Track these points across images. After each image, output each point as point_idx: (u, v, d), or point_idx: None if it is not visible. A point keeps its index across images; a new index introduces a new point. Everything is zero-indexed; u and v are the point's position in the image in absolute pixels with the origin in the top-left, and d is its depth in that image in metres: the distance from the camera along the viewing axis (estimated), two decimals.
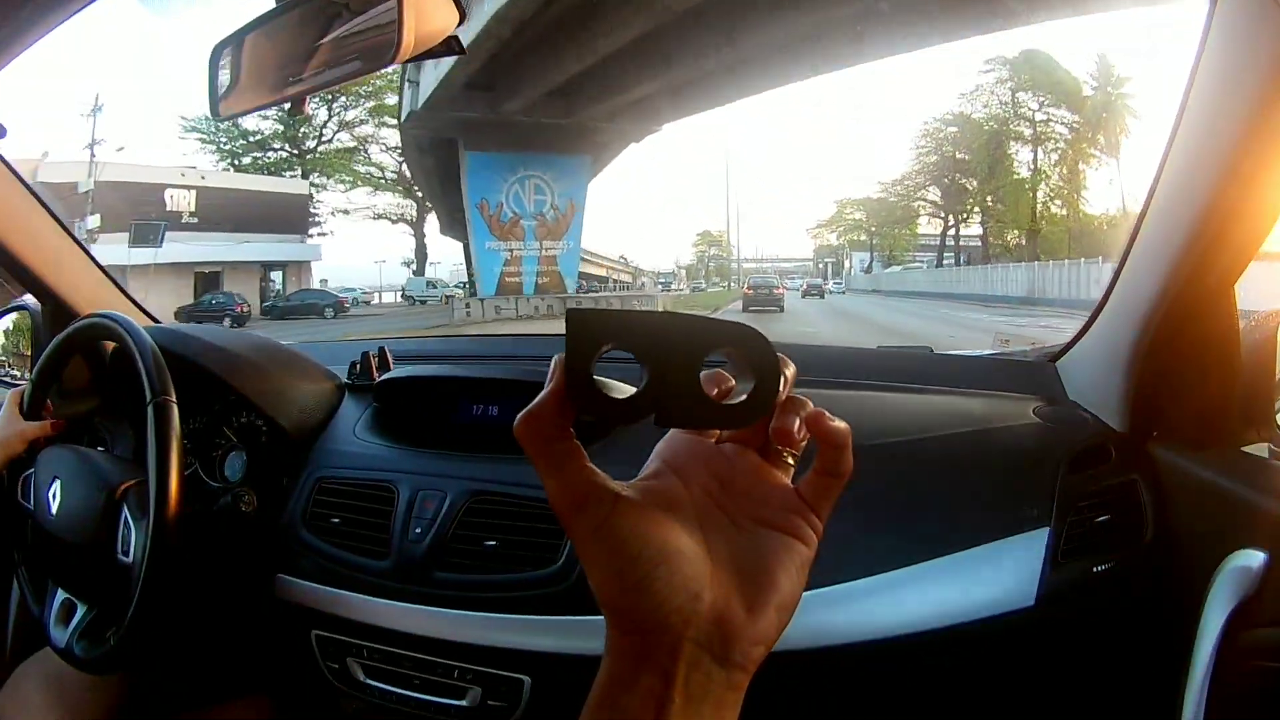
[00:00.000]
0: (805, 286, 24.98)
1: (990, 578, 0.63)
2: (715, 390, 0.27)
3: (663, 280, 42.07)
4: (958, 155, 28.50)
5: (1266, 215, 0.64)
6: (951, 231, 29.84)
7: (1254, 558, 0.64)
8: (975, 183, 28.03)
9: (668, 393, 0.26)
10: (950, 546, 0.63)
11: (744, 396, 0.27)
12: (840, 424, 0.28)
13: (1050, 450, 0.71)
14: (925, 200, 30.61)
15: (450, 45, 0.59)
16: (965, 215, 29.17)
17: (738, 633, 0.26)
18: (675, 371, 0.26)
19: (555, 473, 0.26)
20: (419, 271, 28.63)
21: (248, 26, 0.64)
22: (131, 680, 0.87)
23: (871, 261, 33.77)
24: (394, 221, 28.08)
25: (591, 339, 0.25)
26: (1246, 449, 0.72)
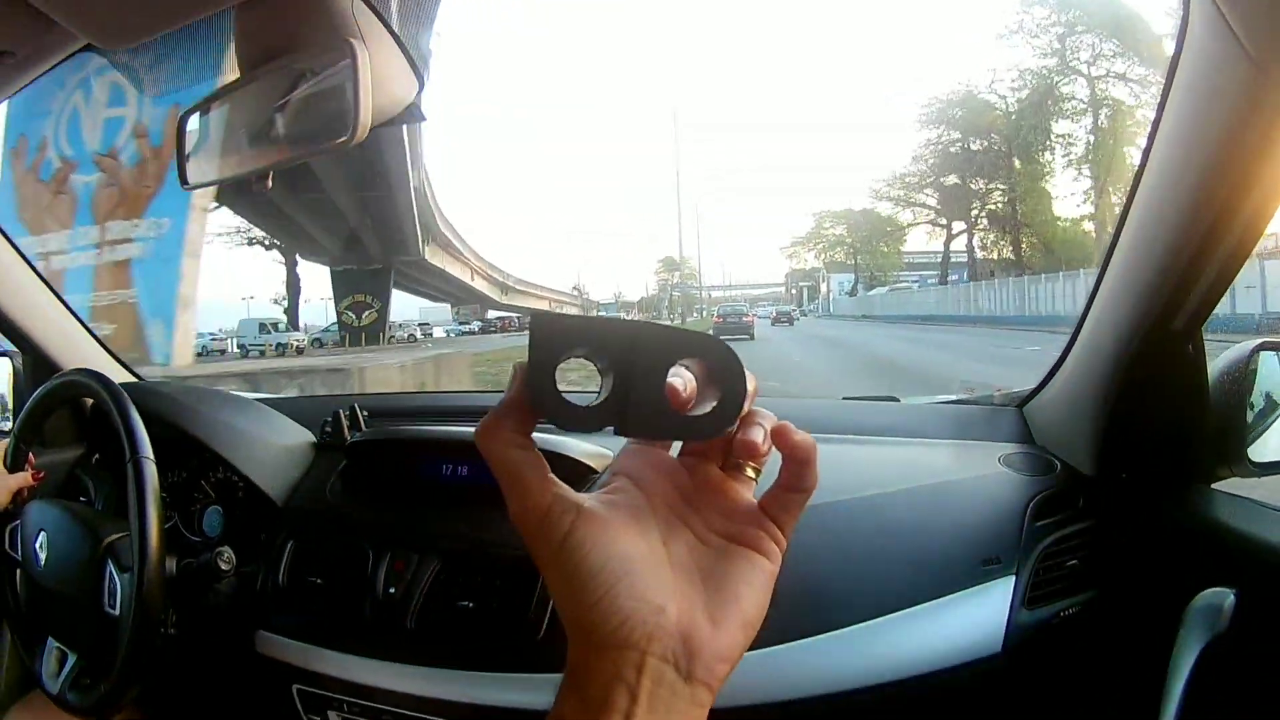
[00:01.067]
0: (775, 314, 23.51)
1: (956, 627, 0.64)
2: (678, 401, 0.26)
3: (602, 311, 36.78)
4: (971, 145, 23.48)
5: (1236, 254, 0.65)
6: (959, 240, 25.34)
7: (1223, 595, 0.65)
8: (985, 182, 23.72)
9: (631, 402, 0.25)
10: (916, 598, 0.64)
11: (709, 408, 0.26)
12: (805, 437, 0.27)
13: (1016, 498, 0.71)
14: (923, 206, 26.32)
15: (412, 113, 0.60)
16: (977, 219, 24.40)
17: (703, 647, 0.25)
18: (639, 381, 0.25)
19: (516, 484, 0.25)
20: (290, 310, 22.68)
21: (216, 94, 0.64)
22: None
23: (856, 283, 30.36)
24: (267, 248, 22.37)
25: (555, 345, 0.25)
26: (1218, 485, 0.72)
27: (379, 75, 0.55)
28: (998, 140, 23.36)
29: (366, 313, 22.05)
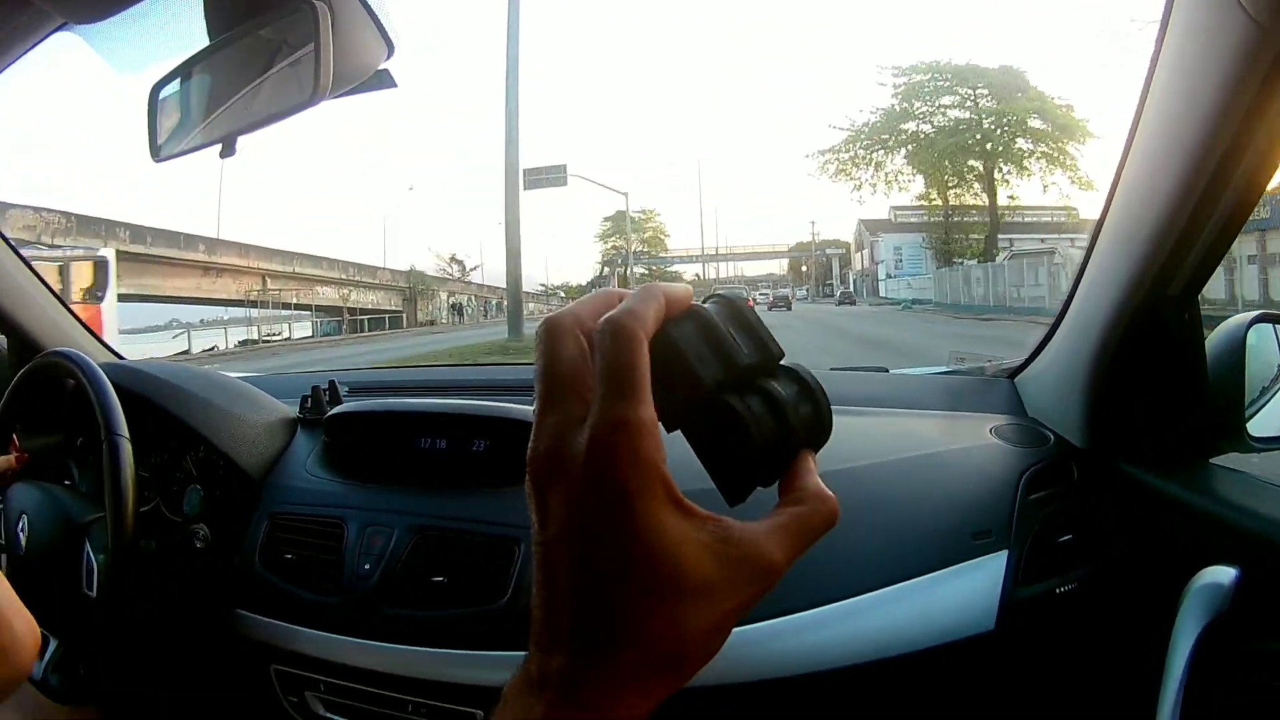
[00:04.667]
0: (771, 299, 22.07)
1: (949, 602, 0.62)
2: None
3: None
4: None
5: (1232, 220, 0.63)
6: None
7: (1225, 573, 0.63)
8: None
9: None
10: (908, 572, 0.62)
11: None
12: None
13: (1008, 470, 0.70)
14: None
15: (381, 79, 0.59)
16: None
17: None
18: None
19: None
20: None
21: (185, 65, 0.64)
22: (107, 709, 0.88)
23: (932, 246, 20.92)
24: None
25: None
26: (1216, 460, 0.70)
27: (346, 40, 0.54)
28: None
29: None
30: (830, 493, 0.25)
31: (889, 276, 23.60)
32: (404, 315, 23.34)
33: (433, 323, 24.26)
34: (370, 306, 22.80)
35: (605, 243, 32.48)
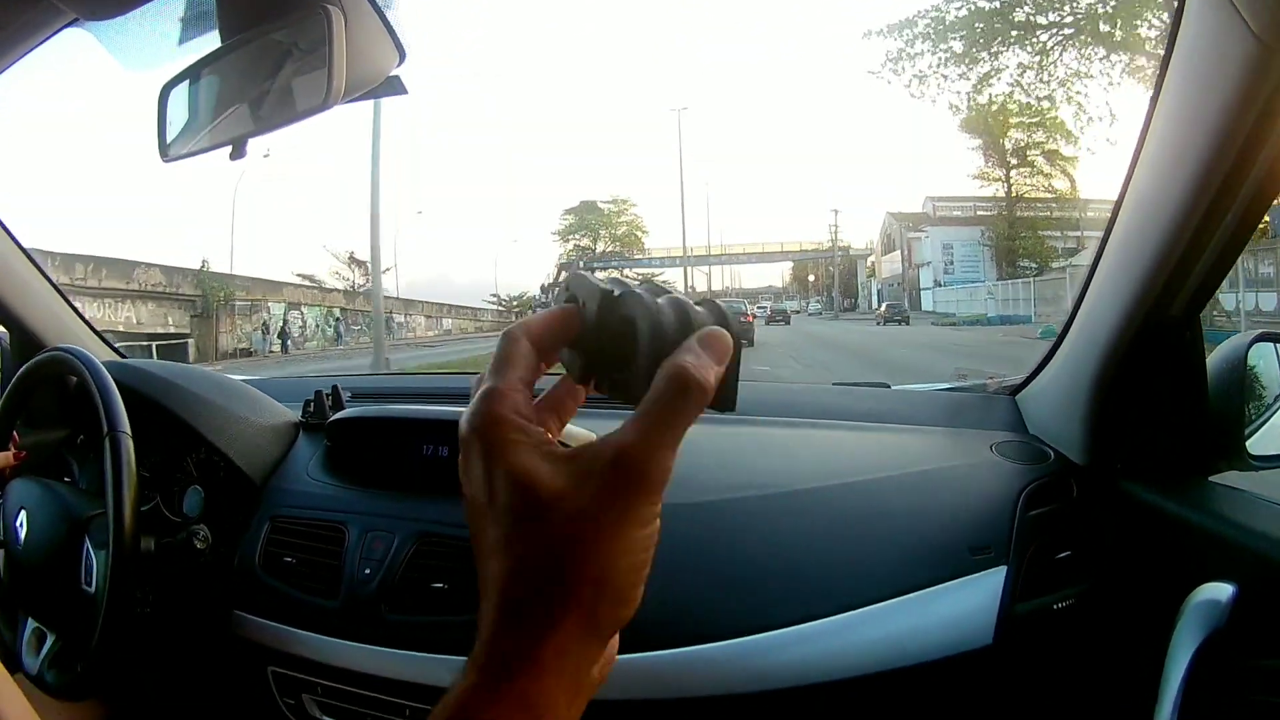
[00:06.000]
0: (770, 313, 19.89)
1: (947, 617, 0.62)
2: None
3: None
4: None
5: (1236, 237, 0.63)
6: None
7: (1222, 590, 0.63)
8: None
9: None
10: (905, 587, 0.62)
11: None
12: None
13: (1008, 486, 0.70)
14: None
15: (393, 85, 0.59)
16: None
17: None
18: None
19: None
20: None
21: (196, 66, 0.64)
22: (104, 706, 0.87)
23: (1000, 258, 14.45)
24: None
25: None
26: (1215, 479, 0.70)
27: (358, 45, 0.55)
28: None
29: None
30: (684, 364, 0.24)
31: (936, 284, 16.97)
32: (189, 343, 14.43)
33: (250, 353, 15.72)
34: (135, 328, 13.47)
35: (566, 241, 25.81)
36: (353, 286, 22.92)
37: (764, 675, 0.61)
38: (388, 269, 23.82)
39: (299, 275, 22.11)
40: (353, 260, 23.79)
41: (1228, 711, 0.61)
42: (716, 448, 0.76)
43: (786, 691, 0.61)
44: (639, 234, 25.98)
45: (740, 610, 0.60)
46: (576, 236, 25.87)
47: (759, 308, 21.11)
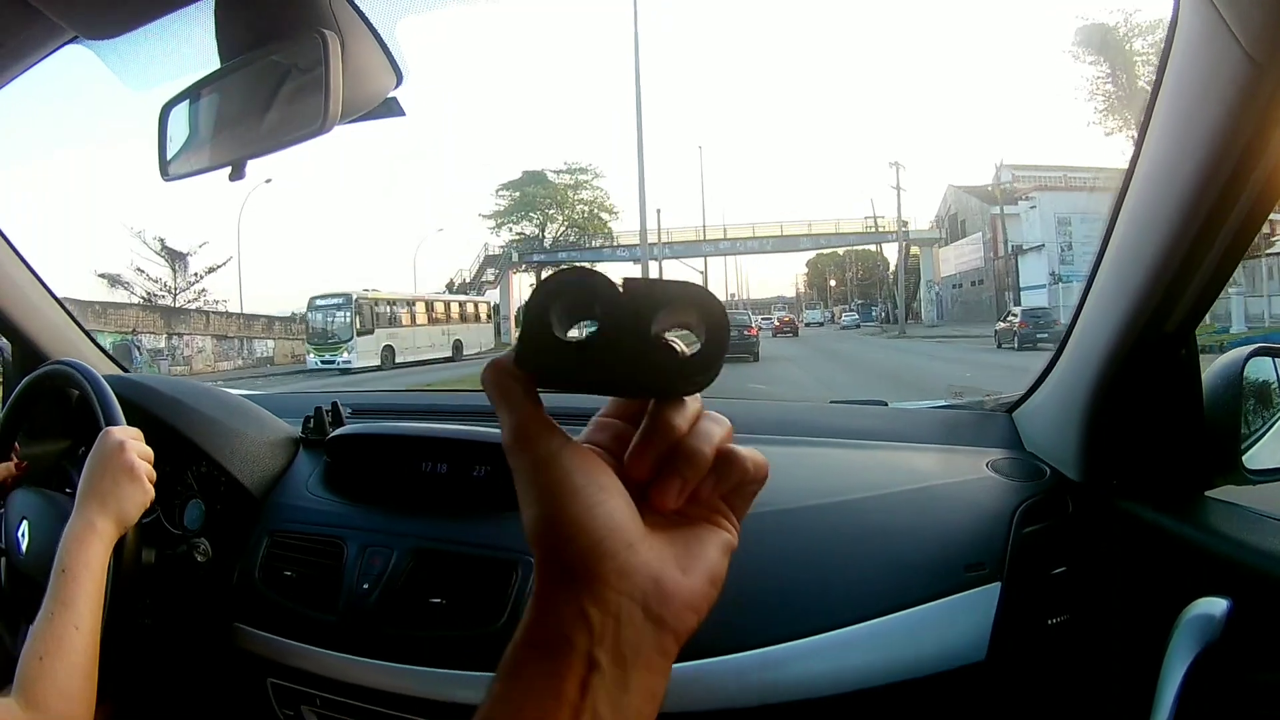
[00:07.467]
0: (777, 324, 18.97)
1: (941, 633, 0.63)
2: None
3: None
4: None
5: (1230, 255, 0.63)
6: None
7: (1217, 604, 0.63)
8: None
9: (619, 351, 0.25)
10: (899, 603, 0.63)
11: (695, 348, 0.26)
12: (758, 459, 0.28)
13: (1003, 503, 0.70)
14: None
15: (390, 107, 0.60)
16: None
17: (674, 592, 0.25)
18: (629, 333, 0.26)
19: (511, 410, 0.27)
20: None
21: (196, 86, 0.64)
22: (104, 717, 0.88)
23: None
24: None
25: (548, 293, 0.26)
26: (1211, 494, 0.71)
27: (356, 68, 0.55)
28: None
29: None
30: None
31: (1056, 279, 10.86)
32: None
33: None
34: None
35: (500, 228, 17.34)
36: (168, 289, 16.54)
37: (760, 690, 0.61)
38: (220, 265, 17.10)
39: (100, 276, 16.50)
40: (168, 251, 16.85)
41: None
42: None
43: (782, 706, 0.61)
44: (604, 215, 18.44)
45: (737, 626, 0.61)
46: (514, 220, 17.52)
47: (763, 319, 18.85)
